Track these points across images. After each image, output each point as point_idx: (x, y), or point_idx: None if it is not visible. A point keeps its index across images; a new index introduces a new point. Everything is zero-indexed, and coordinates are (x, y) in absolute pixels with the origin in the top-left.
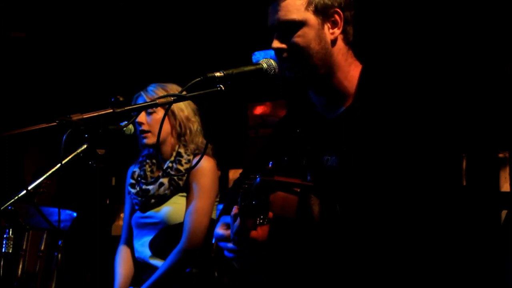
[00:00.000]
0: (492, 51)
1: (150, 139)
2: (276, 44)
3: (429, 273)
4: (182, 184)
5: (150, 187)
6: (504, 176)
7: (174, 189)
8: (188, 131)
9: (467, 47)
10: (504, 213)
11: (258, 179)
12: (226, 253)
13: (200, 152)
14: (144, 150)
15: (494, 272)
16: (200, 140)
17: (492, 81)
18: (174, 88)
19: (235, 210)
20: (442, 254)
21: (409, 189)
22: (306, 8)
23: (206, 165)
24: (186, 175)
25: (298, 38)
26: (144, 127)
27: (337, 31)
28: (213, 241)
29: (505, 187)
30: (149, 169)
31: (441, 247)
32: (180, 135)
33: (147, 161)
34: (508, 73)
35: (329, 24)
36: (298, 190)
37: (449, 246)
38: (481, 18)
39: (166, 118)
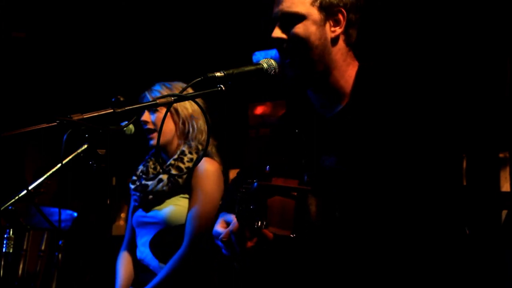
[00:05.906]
0: (492, 51)
1: (156, 140)
2: (276, 33)
3: (429, 274)
4: (182, 183)
5: (149, 182)
6: (505, 176)
7: (173, 186)
8: (191, 129)
9: (466, 47)
10: (504, 213)
11: (255, 183)
12: (223, 251)
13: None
14: (153, 149)
15: (495, 271)
16: (203, 137)
17: (492, 81)
18: (179, 87)
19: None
20: (443, 256)
21: (409, 189)
22: (312, 3)
23: (210, 168)
24: (186, 173)
25: (299, 29)
26: (149, 126)
27: (338, 30)
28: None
29: (505, 187)
30: (152, 166)
31: (442, 248)
32: (185, 133)
33: (152, 158)
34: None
35: (331, 22)
36: (295, 194)
37: (450, 247)
38: (481, 18)
39: (170, 116)
